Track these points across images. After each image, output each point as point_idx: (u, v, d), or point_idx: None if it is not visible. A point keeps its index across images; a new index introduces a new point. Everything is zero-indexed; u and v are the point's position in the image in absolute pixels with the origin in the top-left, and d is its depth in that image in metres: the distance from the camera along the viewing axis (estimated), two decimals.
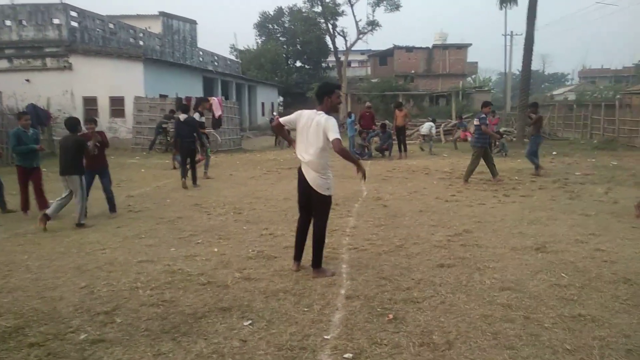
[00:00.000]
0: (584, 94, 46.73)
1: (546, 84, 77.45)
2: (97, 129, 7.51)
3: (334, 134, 4.19)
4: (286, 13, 45.64)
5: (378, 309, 3.78)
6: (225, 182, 10.79)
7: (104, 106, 20.22)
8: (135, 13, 28.96)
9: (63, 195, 6.85)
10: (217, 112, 18.46)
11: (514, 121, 23.54)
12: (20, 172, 7.55)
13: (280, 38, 45.68)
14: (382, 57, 46.62)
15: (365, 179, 4.68)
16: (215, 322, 3.58)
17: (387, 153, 15.98)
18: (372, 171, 12.39)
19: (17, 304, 3.97)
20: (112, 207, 7.54)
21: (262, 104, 36.20)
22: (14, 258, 5.28)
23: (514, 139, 20.25)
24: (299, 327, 3.48)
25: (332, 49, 41.30)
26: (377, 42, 64.41)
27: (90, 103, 20.29)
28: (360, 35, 37.08)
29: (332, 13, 38.31)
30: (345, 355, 3.07)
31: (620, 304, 3.86)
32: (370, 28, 37.37)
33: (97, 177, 7.51)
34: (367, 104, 17.89)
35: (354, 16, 37.08)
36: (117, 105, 20.10)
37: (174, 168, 12.32)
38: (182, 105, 11.42)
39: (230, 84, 30.57)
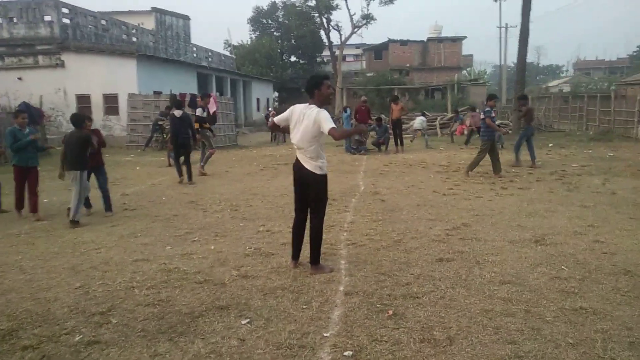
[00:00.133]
0: (579, 85, 46.80)
1: (541, 76, 77.57)
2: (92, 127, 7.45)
3: (328, 124, 4.12)
4: (280, 7, 45.37)
5: (377, 305, 3.73)
6: (221, 179, 10.72)
7: (97, 104, 20.04)
8: (128, 9, 28.69)
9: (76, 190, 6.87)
10: (212, 109, 18.28)
11: (510, 113, 23.53)
12: (17, 171, 7.41)
13: (275, 33, 45.46)
14: (377, 51, 46.50)
15: (367, 136, 4.59)
16: (213, 321, 3.53)
17: (383, 147, 15.93)
18: (368, 166, 12.34)
19: (11, 306, 3.90)
20: (108, 206, 7.46)
21: (257, 99, 36.04)
22: (7, 259, 5.20)
23: (510, 131, 20.20)
24: (298, 325, 3.43)
25: (327, 43, 41.17)
26: (372, 36, 64.58)
27: (83, 101, 20.11)
28: (355, 29, 37.00)
29: (327, 7, 38.17)
30: (345, 353, 3.03)
31: (621, 296, 3.83)
32: (364, 22, 37.30)
33: (93, 175, 7.43)
34: (363, 98, 17.82)
35: (349, 10, 37.16)
36: (110, 103, 19.93)
37: (169, 165, 12.23)
38: (176, 101, 11.25)
39: (225, 80, 30.39)
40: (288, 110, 4.48)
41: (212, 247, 5.39)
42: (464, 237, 5.56)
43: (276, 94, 44.71)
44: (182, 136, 10.15)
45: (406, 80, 39.27)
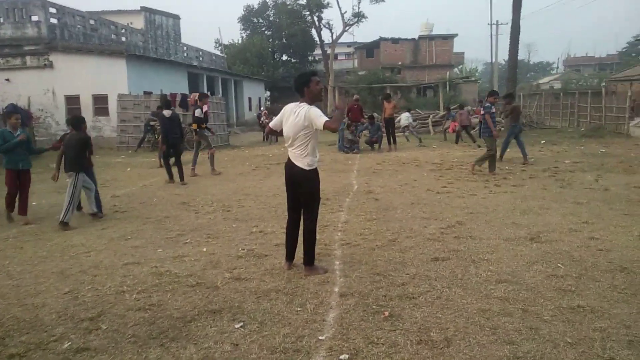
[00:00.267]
0: (570, 82, 47.15)
1: (532, 73, 78.01)
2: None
3: (320, 119, 4.04)
4: (271, 6, 45.18)
5: (373, 307, 3.67)
6: (213, 179, 10.61)
7: (87, 105, 19.80)
8: (117, 9, 28.40)
9: (86, 192, 7.00)
10: (204, 108, 18.17)
11: (501, 111, 23.57)
12: (9, 175, 7.18)
13: (266, 32, 45.27)
14: (369, 49, 46.47)
15: (341, 104, 4.47)
16: (205, 326, 3.45)
17: (376, 146, 15.89)
18: (362, 164, 12.30)
19: None
20: (99, 208, 7.35)
21: (249, 99, 35.88)
22: None
23: (502, 129, 20.24)
24: (293, 328, 3.36)
25: (318, 42, 41.05)
26: (364, 34, 64.44)
27: (72, 102, 19.86)
28: (346, 28, 36.92)
29: (317, 5, 38.06)
30: (341, 357, 2.96)
31: (618, 294, 3.80)
32: (356, 20, 37.24)
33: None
34: (355, 96, 17.77)
35: (339, 8, 37.00)
36: (100, 104, 19.70)
37: (161, 166, 12.09)
38: (166, 101, 11.10)
39: (216, 80, 30.21)
40: (281, 113, 4.42)
41: (204, 249, 5.30)
42: (458, 236, 5.51)
43: (268, 93, 44.54)
44: (172, 136, 10.07)
45: (398, 78, 39.27)
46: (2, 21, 20.36)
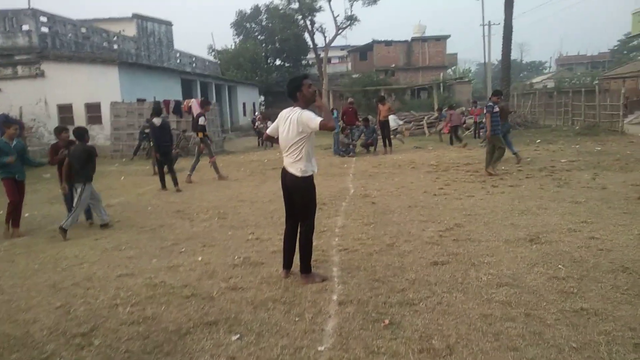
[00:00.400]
0: (562, 81, 47.35)
1: (525, 72, 78.30)
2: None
3: (314, 121, 3.96)
4: (263, 11, 45.14)
5: (373, 314, 3.59)
6: (208, 186, 10.51)
7: (79, 113, 19.65)
8: (108, 16, 28.29)
9: (93, 201, 7.02)
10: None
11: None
12: (8, 184, 6.99)
13: (259, 37, 45.20)
14: (362, 52, 46.49)
15: (321, 96, 4.31)
16: (201, 339, 3.36)
17: (372, 148, 15.84)
18: (358, 168, 12.23)
19: None
20: (90, 215, 7.41)
21: (244, 104, 35.79)
22: None
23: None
24: (291, 339, 3.28)
25: (312, 46, 41.03)
26: (357, 37, 64.36)
27: (65, 111, 19.70)
28: (339, 31, 36.91)
29: (310, 9, 38.06)
30: None
31: (621, 295, 3.74)
32: (348, 23, 37.24)
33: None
34: (350, 99, 17.72)
35: (332, 11, 37.14)
36: (93, 112, 19.54)
37: (155, 174, 11.96)
38: (155, 108, 10.91)
39: (210, 85, 30.11)
40: (277, 119, 4.34)
41: (200, 258, 5.21)
42: (457, 239, 5.45)
43: (262, 98, 44.47)
44: (162, 144, 10.01)
45: (392, 80, 39.30)
46: None
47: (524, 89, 41.41)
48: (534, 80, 57.83)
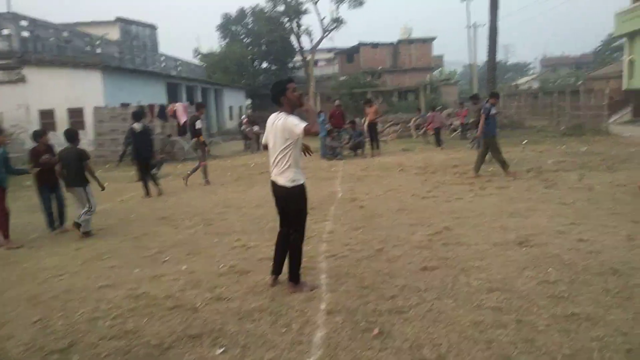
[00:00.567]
0: (547, 81, 47.90)
1: (510, 73, 78.99)
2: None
3: (298, 126, 3.83)
4: (249, 14, 44.92)
5: (362, 324, 3.50)
6: (194, 192, 10.34)
7: (62, 119, 19.27)
8: (91, 20, 27.89)
9: (79, 207, 6.91)
10: (182, 119, 17.89)
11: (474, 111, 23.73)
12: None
13: (245, 40, 44.94)
14: (349, 55, 46.49)
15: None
16: (184, 353, 3.24)
17: (359, 151, 15.78)
18: (345, 171, 12.16)
19: None
20: (63, 220, 7.36)
21: (230, 107, 35.54)
22: None
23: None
24: (278, 352, 3.17)
25: (298, 49, 40.96)
26: (343, 39, 64.51)
27: (47, 116, 19.31)
28: (326, 33, 36.90)
29: (296, 11, 37.99)
30: None
31: (612, 298, 3.70)
32: (335, 25, 37.23)
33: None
34: (337, 102, 17.65)
35: (318, 14, 36.94)
36: (76, 117, 19.16)
37: (139, 180, 11.75)
38: (134, 113, 10.67)
39: (196, 89, 29.84)
40: (266, 127, 4.22)
41: (184, 267, 5.07)
42: (447, 242, 5.38)
43: (249, 101, 44.22)
44: (144, 150, 9.91)
45: (379, 82, 39.36)
46: None
47: (510, 90, 41.75)
48: (519, 81, 58.42)
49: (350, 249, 5.36)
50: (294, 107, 4.10)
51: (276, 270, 4.37)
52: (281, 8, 38.69)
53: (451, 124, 22.10)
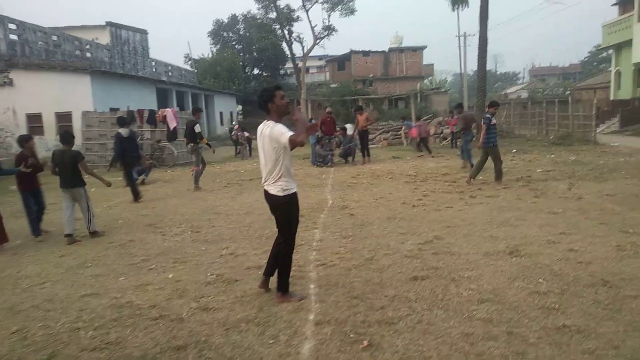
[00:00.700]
0: (536, 91, 48.39)
1: (499, 83, 79.86)
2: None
3: (284, 136, 3.76)
4: (240, 20, 44.94)
5: (351, 335, 3.43)
6: (182, 198, 10.21)
7: (49, 123, 19.05)
8: (81, 24, 27.69)
9: (65, 205, 6.93)
10: (172, 124, 17.74)
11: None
12: None
13: (236, 46, 44.92)
14: (340, 62, 46.68)
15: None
16: None
17: (350, 159, 15.76)
18: (336, 178, 12.11)
19: None
20: (37, 230, 7.26)
21: (221, 113, 35.39)
22: None
23: (473, 139, 20.46)
24: None
25: (290, 56, 41.01)
26: (335, 47, 64.93)
27: (34, 120, 19.08)
28: (317, 41, 36.97)
29: (287, 19, 38.07)
30: None
31: (603, 310, 3.67)
32: (326, 33, 37.34)
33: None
34: (328, 109, 17.64)
35: (310, 22, 37.05)
36: (64, 122, 18.93)
37: (126, 186, 11.60)
38: (120, 118, 10.61)
39: (186, 94, 29.70)
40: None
41: (171, 276, 4.97)
42: (437, 252, 5.34)
43: (240, 107, 44.13)
44: (130, 155, 9.96)
45: (370, 90, 39.51)
46: None
47: (499, 99, 42.11)
48: (509, 91, 59.02)
49: (339, 258, 5.29)
50: (282, 115, 4.04)
51: (267, 272, 4.27)
52: (273, 15, 38.77)
53: (441, 133, 22.22)
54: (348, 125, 18.55)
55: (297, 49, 39.99)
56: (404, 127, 21.74)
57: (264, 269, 4.32)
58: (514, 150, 16.55)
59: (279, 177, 3.94)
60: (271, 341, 3.41)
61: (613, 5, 30.26)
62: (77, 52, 24.51)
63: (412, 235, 6.11)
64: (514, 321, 3.54)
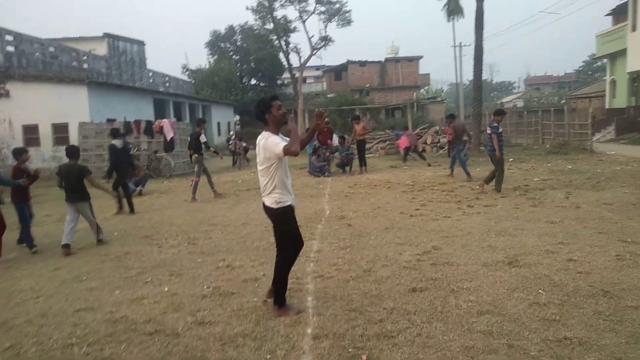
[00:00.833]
0: (531, 100, 48.71)
1: (495, 92, 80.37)
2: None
3: (278, 147, 3.74)
4: (237, 31, 45.18)
5: (349, 349, 3.38)
6: (179, 209, 10.15)
7: (46, 134, 18.99)
8: (78, 35, 27.78)
9: (69, 219, 6.95)
10: (169, 135, 17.73)
11: (468, 129, 23.95)
12: None
13: (234, 56, 45.12)
14: (337, 72, 46.92)
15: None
16: None
17: (347, 168, 15.74)
18: (333, 188, 12.07)
19: None
20: (29, 243, 7.23)
21: (218, 123, 35.40)
22: None
23: (469, 147, 20.49)
24: None
25: (287, 66, 41.18)
26: (332, 57, 65.01)
27: (31, 131, 19.01)
28: (314, 51, 37.19)
29: (284, 30, 38.29)
30: None
31: (604, 321, 3.63)
32: (323, 43, 37.58)
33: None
34: (325, 119, 17.64)
35: (307, 32, 37.30)
36: (60, 133, 18.89)
37: (123, 197, 11.54)
38: (115, 131, 10.77)
39: (183, 105, 29.72)
40: None
41: (166, 289, 4.90)
42: (435, 262, 5.30)
43: (237, 117, 44.19)
44: (124, 166, 10.09)
45: (366, 100, 39.66)
46: None
47: (495, 109, 42.32)
48: (504, 100, 59.31)
49: (337, 269, 5.24)
50: (279, 125, 4.01)
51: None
52: (270, 26, 38.98)
53: (438, 142, 22.25)
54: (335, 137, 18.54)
55: (294, 60, 40.20)
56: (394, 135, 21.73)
57: (272, 278, 4.24)
58: (511, 159, 16.56)
59: (273, 189, 3.91)
60: (268, 356, 3.35)
61: (607, 15, 30.54)
62: (74, 64, 24.53)
63: (410, 246, 6.07)
64: (515, 333, 3.50)
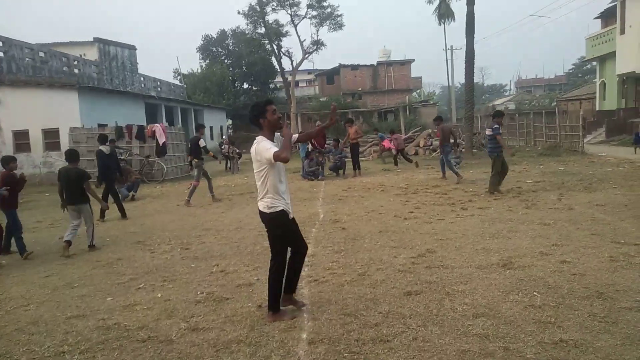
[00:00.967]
0: (523, 102, 49.07)
1: (486, 95, 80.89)
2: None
3: (269, 152, 3.71)
4: (229, 35, 45.13)
5: (345, 354, 3.35)
6: (171, 214, 10.08)
7: (36, 139, 18.81)
8: (69, 40, 27.60)
9: (75, 223, 7.16)
10: (161, 140, 17.64)
11: (461, 132, 24.06)
12: None
13: (226, 60, 45.04)
14: (329, 76, 47.02)
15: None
16: None
17: (341, 172, 15.73)
18: (327, 191, 12.05)
19: None
20: (7, 246, 7.34)
21: (211, 127, 35.30)
22: None
23: (463, 150, 20.60)
24: None
25: (279, 70, 41.18)
26: (324, 61, 65.39)
27: (21, 137, 18.83)
28: (306, 55, 37.21)
29: (276, 34, 38.30)
30: None
31: (599, 323, 3.63)
32: (315, 47, 37.63)
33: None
34: (318, 122, 17.68)
35: (298, 36, 37.26)
36: (51, 138, 18.72)
37: (113, 203, 11.45)
38: (101, 135, 10.90)
39: (175, 109, 29.59)
40: None
41: (159, 295, 4.85)
42: (430, 265, 5.29)
43: (230, 121, 44.09)
44: (111, 172, 10.21)
45: (359, 103, 39.77)
46: None
47: (487, 111, 42.59)
48: (496, 102, 59.70)
49: (332, 273, 5.21)
50: (274, 130, 3.99)
51: (287, 289, 4.15)
52: (262, 30, 38.97)
53: (431, 145, 22.32)
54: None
55: (287, 64, 40.21)
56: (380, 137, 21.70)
57: (283, 287, 4.15)
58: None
59: (265, 194, 3.89)
60: None
61: (595, 18, 30.88)
62: (65, 69, 24.36)
63: (404, 249, 6.06)
64: (510, 336, 3.49)
